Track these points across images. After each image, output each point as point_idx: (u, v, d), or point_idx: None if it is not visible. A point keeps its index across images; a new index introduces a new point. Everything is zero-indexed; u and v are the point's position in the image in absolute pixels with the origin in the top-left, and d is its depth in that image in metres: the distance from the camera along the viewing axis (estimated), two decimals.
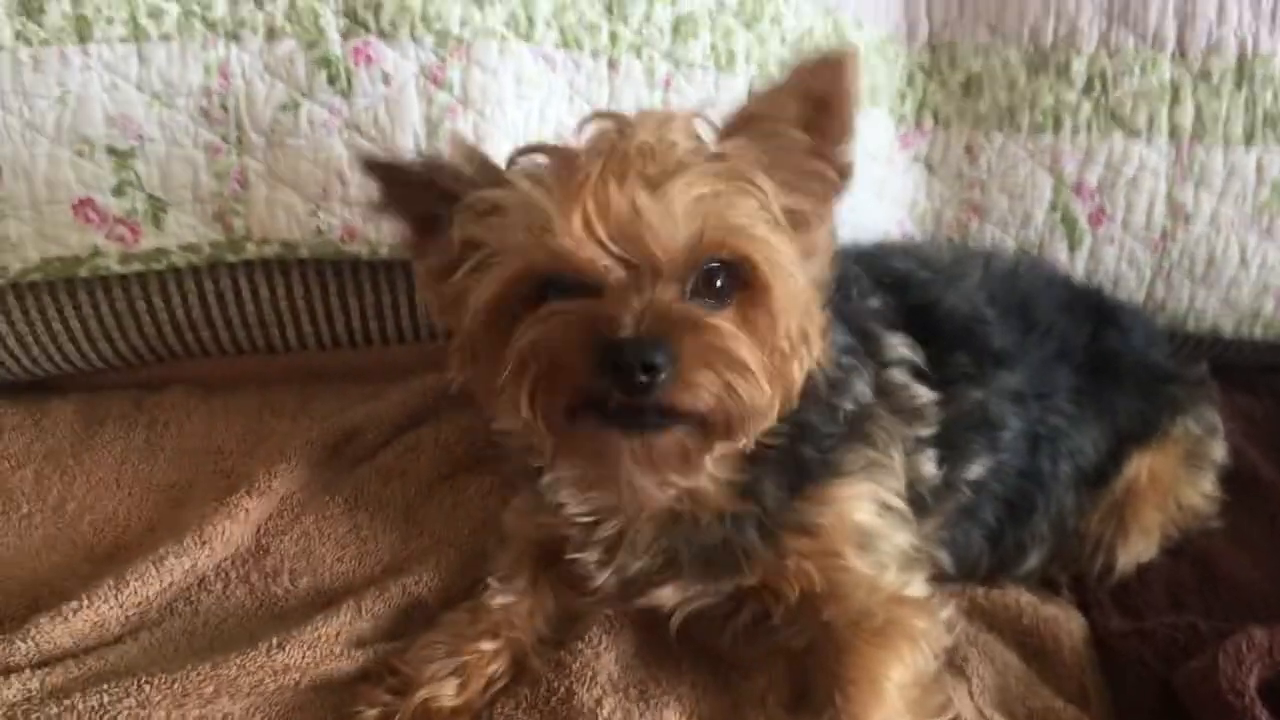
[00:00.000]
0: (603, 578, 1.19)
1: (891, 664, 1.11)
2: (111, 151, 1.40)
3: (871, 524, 1.18)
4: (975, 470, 1.31)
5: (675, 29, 1.52)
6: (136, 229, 1.44)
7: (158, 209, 1.44)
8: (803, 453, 1.14)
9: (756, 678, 1.18)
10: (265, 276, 1.54)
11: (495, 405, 1.03)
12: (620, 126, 1.02)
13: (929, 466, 1.25)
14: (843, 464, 1.17)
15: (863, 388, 1.19)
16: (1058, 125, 1.68)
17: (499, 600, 1.22)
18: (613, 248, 0.95)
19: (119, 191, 1.42)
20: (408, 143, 1.44)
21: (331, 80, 1.42)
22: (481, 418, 1.51)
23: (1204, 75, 1.64)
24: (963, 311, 1.34)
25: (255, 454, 1.45)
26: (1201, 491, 1.45)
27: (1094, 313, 1.46)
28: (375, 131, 1.44)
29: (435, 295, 1.11)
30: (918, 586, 1.20)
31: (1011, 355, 1.34)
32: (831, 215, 1.11)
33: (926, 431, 1.25)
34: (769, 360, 1.00)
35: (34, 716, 1.05)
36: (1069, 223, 1.70)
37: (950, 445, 1.27)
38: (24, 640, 1.13)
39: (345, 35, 1.41)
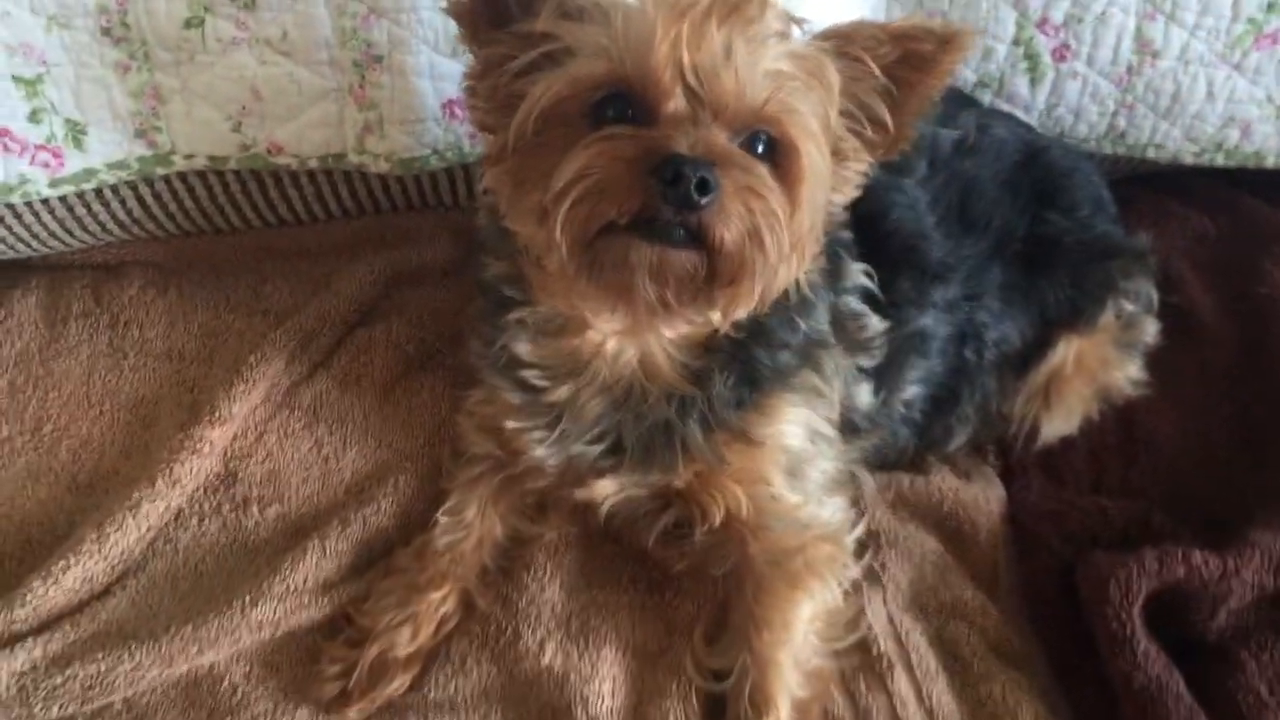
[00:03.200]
0: (545, 453, 1.22)
1: (802, 603, 1.21)
2: (18, 80, 1.34)
3: (802, 449, 1.23)
4: (910, 391, 1.35)
5: None
6: (59, 153, 1.40)
7: (78, 132, 1.39)
8: (756, 355, 1.16)
9: (686, 604, 1.28)
10: (201, 178, 1.51)
11: (521, 213, 1.06)
12: None
13: (865, 396, 1.30)
14: (791, 380, 1.20)
15: (822, 315, 1.21)
16: None
17: (446, 539, 1.28)
18: (690, 79, 0.97)
19: (34, 118, 1.37)
20: (321, 55, 1.37)
21: None
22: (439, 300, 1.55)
23: None
24: (907, 229, 1.33)
25: (214, 361, 1.49)
26: (1128, 375, 1.48)
27: (1038, 190, 1.43)
28: (285, 45, 1.35)
29: (485, 90, 1.08)
30: (837, 511, 1.26)
31: (948, 266, 1.35)
32: (865, 167, 1.12)
33: (869, 363, 1.28)
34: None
35: (41, 686, 1.16)
36: (1032, 58, 1.60)
37: (889, 373, 1.31)
38: (22, 606, 1.21)
39: None
